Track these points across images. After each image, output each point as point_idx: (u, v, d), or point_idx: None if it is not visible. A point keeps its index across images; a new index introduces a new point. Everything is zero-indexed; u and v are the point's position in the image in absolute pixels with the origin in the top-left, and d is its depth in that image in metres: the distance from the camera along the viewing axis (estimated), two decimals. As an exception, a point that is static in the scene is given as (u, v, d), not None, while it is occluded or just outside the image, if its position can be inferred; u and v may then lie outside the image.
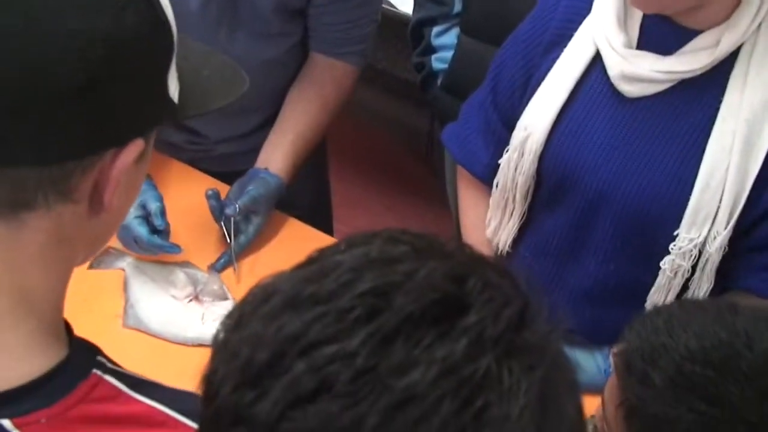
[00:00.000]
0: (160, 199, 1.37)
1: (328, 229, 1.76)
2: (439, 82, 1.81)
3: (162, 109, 0.64)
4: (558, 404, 0.46)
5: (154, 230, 1.35)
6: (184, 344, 1.31)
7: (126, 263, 1.40)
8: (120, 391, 0.64)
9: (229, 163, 1.62)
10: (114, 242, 1.42)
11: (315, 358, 0.43)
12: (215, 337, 0.50)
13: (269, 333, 0.45)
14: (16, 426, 0.60)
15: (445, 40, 1.79)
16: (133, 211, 1.32)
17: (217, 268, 1.41)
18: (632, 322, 0.81)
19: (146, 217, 1.35)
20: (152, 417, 0.64)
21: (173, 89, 0.64)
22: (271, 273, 1.51)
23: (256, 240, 1.46)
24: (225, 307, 1.35)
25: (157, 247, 1.35)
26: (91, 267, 1.37)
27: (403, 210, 2.48)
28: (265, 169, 1.48)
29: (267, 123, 1.58)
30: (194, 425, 0.64)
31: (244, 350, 0.46)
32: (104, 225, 0.66)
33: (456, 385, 0.42)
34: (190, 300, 1.36)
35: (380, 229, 0.50)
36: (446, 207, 2.14)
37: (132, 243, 1.36)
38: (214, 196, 1.40)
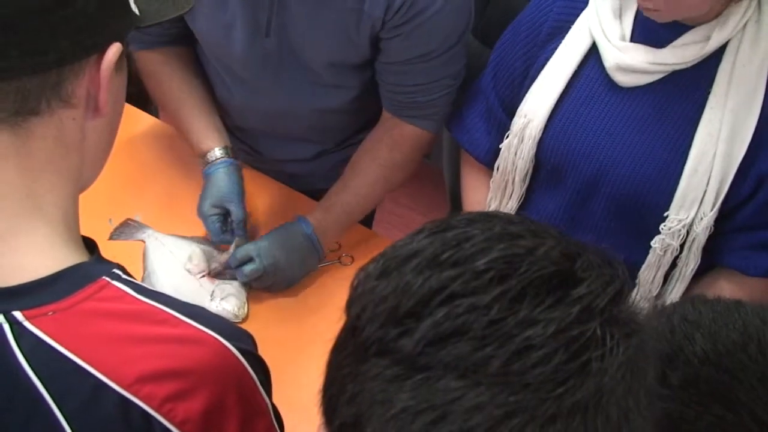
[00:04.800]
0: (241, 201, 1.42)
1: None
2: None
3: (127, 19, 0.74)
4: (644, 368, 0.56)
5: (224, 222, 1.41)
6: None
7: (146, 235, 1.45)
8: (125, 293, 0.70)
9: (281, 179, 1.62)
10: (135, 215, 1.49)
11: (455, 306, 0.53)
12: (358, 280, 0.59)
13: (415, 284, 0.54)
14: (26, 317, 0.67)
15: None
16: (210, 209, 1.39)
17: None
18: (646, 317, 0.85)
19: (222, 215, 1.40)
20: (154, 314, 0.71)
21: (133, 3, 0.74)
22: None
23: (270, 216, 1.52)
24: (235, 286, 1.39)
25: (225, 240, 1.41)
26: (111, 238, 1.43)
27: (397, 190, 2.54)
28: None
29: (325, 153, 1.57)
30: (197, 325, 0.71)
31: (392, 297, 0.55)
32: (100, 133, 0.74)
33: (568, 341, 0.52)
34: (203, 276, 1.41)
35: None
36: (437, 188, 2.20)
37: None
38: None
